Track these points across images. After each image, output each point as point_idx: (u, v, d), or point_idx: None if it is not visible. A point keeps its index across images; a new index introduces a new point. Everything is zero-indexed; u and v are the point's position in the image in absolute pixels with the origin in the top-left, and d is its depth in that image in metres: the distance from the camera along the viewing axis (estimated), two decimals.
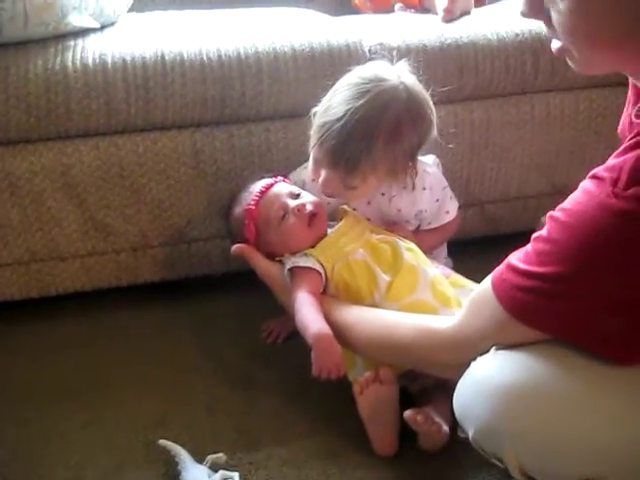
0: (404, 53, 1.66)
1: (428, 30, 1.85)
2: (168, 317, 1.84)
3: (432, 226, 1.67)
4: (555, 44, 1.03)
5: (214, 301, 1.87)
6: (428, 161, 1.64)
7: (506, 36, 1.84)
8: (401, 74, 1.51)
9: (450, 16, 1.91)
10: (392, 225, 1.61)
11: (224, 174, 1.76)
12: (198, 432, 1.48)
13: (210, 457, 1.37)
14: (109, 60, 1.64)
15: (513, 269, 1.09)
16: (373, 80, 1.48)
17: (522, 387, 1.08)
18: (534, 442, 1.06)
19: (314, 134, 1.51)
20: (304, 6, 2.07)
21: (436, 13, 1.96)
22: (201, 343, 1.74)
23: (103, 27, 1.77)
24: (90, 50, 1.66)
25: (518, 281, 1.08)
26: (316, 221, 1.52)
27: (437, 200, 1.65)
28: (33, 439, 1.48)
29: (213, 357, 1.70)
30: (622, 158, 1.00)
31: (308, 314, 1.40)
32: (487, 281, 1.14)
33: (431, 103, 1.52)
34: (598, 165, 1.05)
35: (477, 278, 1.46)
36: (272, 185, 1.57)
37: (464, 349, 1.18)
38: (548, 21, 1.01)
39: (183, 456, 1.37)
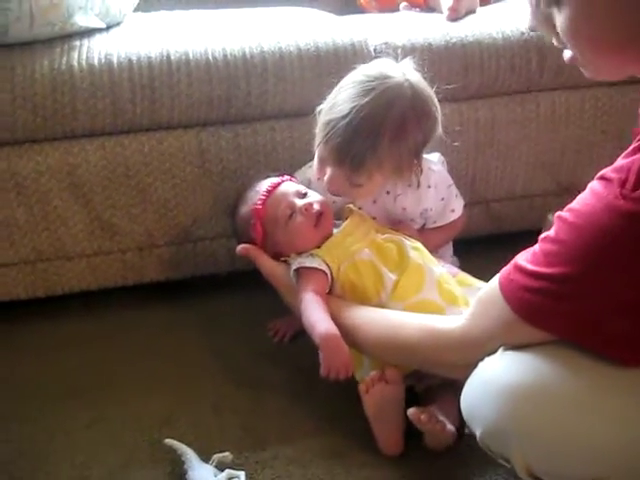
0: (409, 52, 1.66)
1: (433, 29, 1.85)
2: (174, 316, 1.84)
3: (437, 224, 1.67)
4: (567, 53, 1.04)
5: (220, 300, 1.88)
6: (433, 159, 1.64)
7: (511, 35, 1.84)
8: (406, 71, 1.51)
9: (455, 15, 1.91)
10: (397, 224, 1.61)
11: (230, 173, 1.76)
12: (204, 431, 1.48)
13: (216, 456, 1.37)
14: (115, 60, 1.64)
15: (520, 270, 1.09)
16: (378, 78, 1.48)
17: (529, 388, 1.07)
18: (541, 443, 1.06)
19: (319, 132, 1.51)
20: (309, 5, 2.07)
21: (441, 12, 1.96)
22: (207, 342, 1.75)
23: (109, 27, 1.77)
24: (96, 50, 1.66)
25: (525, 282, 1.08)
26: (323, 220, 1.52)
27: (442, 199, 1.64)
28: (39, 437, 1.48)
29: (219, 356, 1.70)
30: (630, 159, 1.00)
31: (315, 314, 1.40)
32: (494, 281, 1.14)
33: (436, 100, 1.52)
34: (604, 163, 1.05)
35: (483, 277, 1.47)
36: (279, 184, 1.57)
37: (471, 349, 1.18)
38: (556, 32, 1.01)
39: (189, 455, 1.37)
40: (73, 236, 1.74)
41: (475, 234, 1.94)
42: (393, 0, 2.15)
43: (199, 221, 1.79)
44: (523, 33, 1.85)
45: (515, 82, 1.87)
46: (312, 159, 1.67)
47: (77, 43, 1.67)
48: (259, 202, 1.55)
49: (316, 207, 1.51)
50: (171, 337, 1.77)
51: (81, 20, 1.67)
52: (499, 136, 1.91)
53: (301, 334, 1.66)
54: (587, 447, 1.03)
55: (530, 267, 1.07)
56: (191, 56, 1.68)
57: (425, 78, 1.53)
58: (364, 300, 1.45)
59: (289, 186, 1.57)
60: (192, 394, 1.59)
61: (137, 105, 1.65)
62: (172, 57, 1.67)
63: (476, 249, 1.82)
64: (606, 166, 1.05)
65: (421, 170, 1.56)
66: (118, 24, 1.82)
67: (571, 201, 1.07)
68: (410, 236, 1.55)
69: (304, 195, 1.55)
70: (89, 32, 1.71)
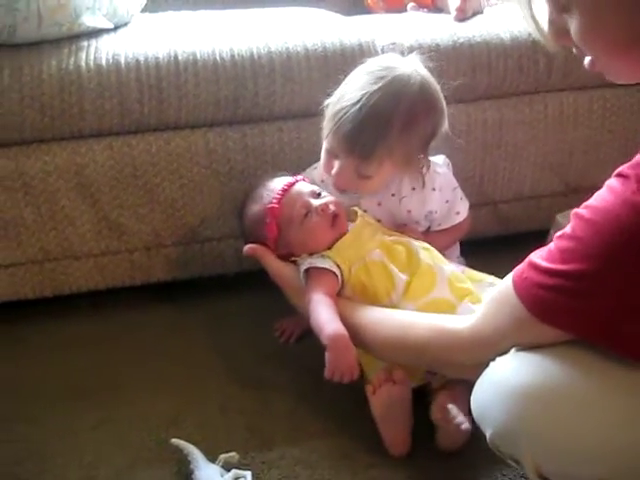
0: (417, 52, 1.65)
1: (441, 29, 1.85)
2: (181, 316, 1.84)
3: (442, 227, 1.66)
4: (586, 60, 1.04)
5: (227, 301, 1.88)
6: (438, 161, 1.64)
7: (519, 35, 1.84)
8: (414, 64, 1.52)
9: (463, 15, 1.91)
10: (402, 227, 1.60)
11: (237, 173, 1.76)
12: (211, 431, 1.48)
13: (223, 456, 1.37)
14: (122, 60, 1.65)
15: (535, 267, 1.08)
16: (387, 68, 1.49)
17: (540, 389, 1.07)
18: (551, 443, 1.05)
19: (328, 123, 1.51)
20: (316, 6, 2.07)
21: (449, 12, 1.96)
22: (214, 342, 1.75)
23: (116, 27, 1.77)
24: (104, 50, 1.66)
25: (540, 279, 1.06)
26: (338, 221, 1.51)
27: (447, 201, 1.64)
28: (46, 438, 1.48)
29: (226, 357, 1.70)
30: None
31: (323, 315, 1.40)
32: (507, 280, 1.13)
33: (442, 96, 1.52)
34: (612, 164, 1.04)
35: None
36: (293, 184, 1.56)
37: (482, 349, 1.17)
38: (573, 41, 1.01)
39: (196, 455, 1.37)
40: (80, 236, 1.74)
41: (482, 235, 1.93)
42: (400, 0, 2.15)
43: (206, 221, 1.79)
44: (531, 34, 1.84)
45: (523, 83, 1.87)
46: (318, 160, 1.67)
47: (85, 43, 1.68)
48: (275, 201, 1.54)
49: (332, 208, 1.51)
50: (178, 337, 1.77)
51: (89, 20, 1.68)
52: (507, 137, 1.90)
53: (308, 334, 1.67)
54: (597, 448, 1.03)
55: (545, 264, 1.06)
56: (198, 56, 1.68)
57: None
58: (374, 301, 1.44)
59: (304, 186, 1.57)
60: (199, 394, 1.59)
61: (144, 105, 1.66)
62: (179, 57, 1.67)
63: (483, 250, 1.82)
64: (614, 167, 1.04)
65: (428, 166, 1.56)
66: (126, 24, 1.82)
67: (579, 201, 1.07)
68: (416, 239, 1.55)
69: (318, 195, 1.54)
70: (97, 32, 1.72)
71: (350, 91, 1.48)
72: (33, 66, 1.61)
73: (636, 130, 1.96)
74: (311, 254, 1.50)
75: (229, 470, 1.34)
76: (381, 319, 1.38)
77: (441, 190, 1.62)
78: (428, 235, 1.63)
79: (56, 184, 1.68)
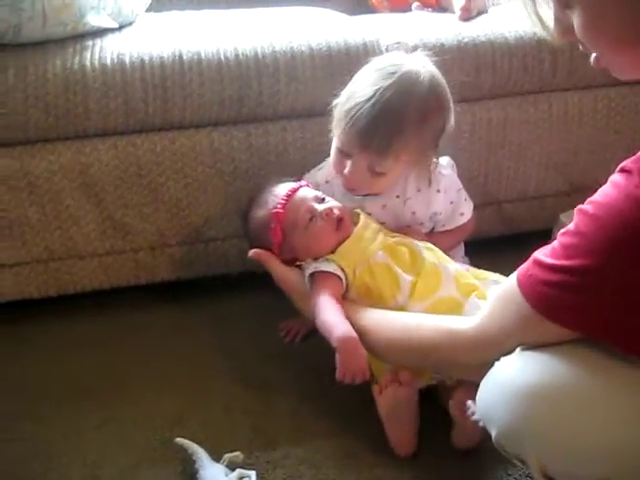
0: (420, 52, 1.65)
1: (445, 29, 1.85)
2: (185, 316, 1.85)
3: (446, 228, 1.66)
4: (592, 57, 1.04)
5: (231, 300, 1.88)
6: (442, 163, 1.64)
7: (524, 34, 1.84)
8: (421, 60, 1.53)
9: (467, 15, 1.91)
10: (405, 228, 1.60)
11: (241, 173, 1.76)
12: (215, 431, 1.48)
13: (227, 456, 1.37)
14: (127, 60, 1.65)
15: (539, 264, 1.07)
16: (396, 64, 1.50)
17: (545, 388, 1.06)
18: (557, 443, 1.05)
19: (339, 122, 1.51)
20: (321, 5, 2.07)
21: (453, 12, 1.96)
22: (218, 342, 1.75)
23: (121, 27, 1.78)
24: (108, 50, 1.66)
25: (544, 276, 1.06)
26: (343, 225, 1.51)
27: (451, 202, 1.64)
28: (50, 437, 1.49)
29: (230, 356, 1.70)
30: None
31: (332, 317, 1.39)
32: (512, 278, 1.13)
33: (449, 91, 1.53)
34: (617, 164, 1.04)
35: None
36: (297, 189, 1.56)
37: (487, 348, 1.17)
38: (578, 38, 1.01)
39: (200, 454, 1.37)
40: (85, 235, 1.74)
41: (486, 235, 1.93)
42: (405, 0, 2.14)
43: (211, 221, 1.79)
44: (536, 33, 1.84)
45: (528, 82, 1.86)
46: (323, 160, 1.67)
47: (89, 43, 1.68)
48: (279, 206, 1.54)
49: (336, 212, 1.51)
50: (182, 337, 1.77)
51: (93, 20, 1.68)
52: (511, 136, 1.90)
53: (312, 334, 1.67)
54: (603, 447, 1.02)
55: (549, 261, 1.06)
56: (203, 56, 1.68)
57: None
58: (379, 303, 1.44)
59: (308, 191, 1.57)
60: (203, 394, 1.59)
61: (149, 105, 1.66)
62: (184, 57, 1.67)
63: (487, 250, 1.81)
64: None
65: (437, 162, 1.56)
66: (130, 24, 1.82)
67: (583, 201, 1.07)
68: (419, 239, 1.55)
69: (322, 200, 1.54)
70: (101, 32, 1.72)
71: (361, 89, 1.48)
72: (38, 65, 1.61)
73: None
74: (315, 258, 1.50)
75: (233, 470, 1.34)
76: (385, 321, 1.38)
77: (446, 191, 1.61)
78: (432, 236, 1.62)
79: (61, 183, 1.68)
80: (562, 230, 1.07)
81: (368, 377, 1.37)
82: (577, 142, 1.95)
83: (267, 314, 1.80)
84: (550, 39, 1.10)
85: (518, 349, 1.12)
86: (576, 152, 1.96)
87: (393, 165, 1.51)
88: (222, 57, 1.69)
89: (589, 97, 1.92)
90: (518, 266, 1.13)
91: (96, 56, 1.64)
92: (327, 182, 1.63)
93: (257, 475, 1.34)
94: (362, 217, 1.55)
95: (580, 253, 1.02)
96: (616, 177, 1.03)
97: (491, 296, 1.21)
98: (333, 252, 1.49)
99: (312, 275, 1.48)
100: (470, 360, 1.21)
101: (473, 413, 1.33)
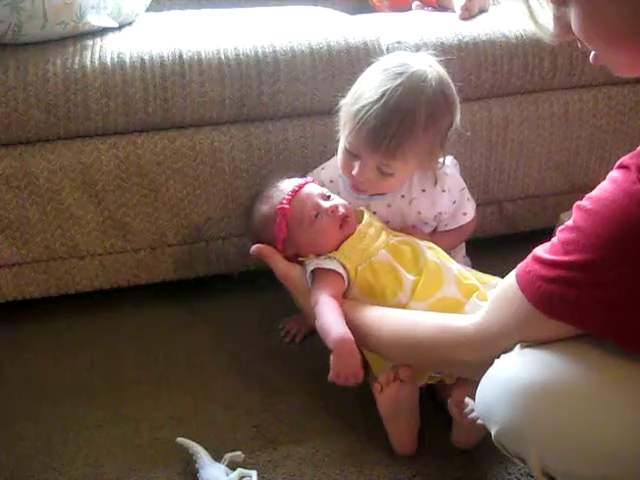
0: (422, 51, 1.65)
1: (446, 28, 1.85)
2: (186, 316, 1.85)
3: (449, 228, 1.66)
4: (592, 54, 1.04)
5: (232, 300, 1.88)
6: (447, 162, 1.64)
7: (524, 34, 1.83)
8: (426, 59, 1.52)
9: (468, 14, 1.91)
10: (410, 229, 1.60)
11: (242, 172, 1.76)
12: (216, 430, 1.48)
13: (228, 455, 1.38)
14: (127, 59, 1.65)
15: (538, 260, 1.07)
16: (403, 64, 1.49)
17: (546, 386, 1.06)
18: (558, 441, 1.05)
19: (347, 123, 1.50)
20: (321, 5, 2.07)
21: (454, 11, 1.96)
22: (219, 342, 1.75)
23: (121, 26, 1.78)
24: (108, 49, 1.66)
25: (543, 272, 1.06)
26: (347, 223, 1.51)
27: (454, 202, 1.64)
28: (52, 436, 1.49)
29: (231, 356, 1.70)
30: None
31: (329, 318, 1.39)
32: (511, 275, 1.13)
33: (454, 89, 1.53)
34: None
35: (495, 275, 1.46)
36: (303, 185, 1.56)
37: (488, 346, 1.16)
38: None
39: (201, 454, 1.37)
40: (86, 235, 1.74)
41: (488, 234, 1.93)
42: None
43: (211, 220, 1.79)
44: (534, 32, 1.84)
45: (528, 81, 1.86)
46: (324, 160, 1.67)
47: (90, 42, 1.68)
48: (285, 201, 1.53)
49: (342, 210, 1.51)
50: (183, 337, 1.77)
51: (93, 19, 1.68)
52: (512, 136, 1.90)
53: (312, 334, 1.67)
54: (605, 448, 1.02)
55: (548, 257, 1.06)
56: (203, 55, 1.68)
57: None
58: (381, 301, 1.44)
59: (313, 188, 1.56)
60: (204, 394, 1.59)
61: (149, 104, 1.66)
62: (184, 56, 1.67)
63: (488, 249, 1.82)
64: None
65: (444, 160, 1.56)
66: (130, 23, 1.82)
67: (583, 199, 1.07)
68: (421, 239, 1.55)
69: (328, 197, 1.54)
70: (101, 31, 1.72)
71: (368, 89, 1.48)
72: (38, 65, 1.61)
73: None
74: (318, 255, 1.50)
75: (234, 469, 1.34)
76: (386, 319, 1.38)
77: (450, 191, 1.61)
78: (434, 235, 1.62)
79: (61, 183, 1.68)
80: (561, 227, 1.07)
81: (361, 380, 1.37)
82: (578, 141, 1.95)
83: (268, 313, 1.80)
84: (546, 39, 1.10)
85: (518, 346, 1.12)
86: (577, 151, 1.96)
87: (402, 166, 1.51)
88: (222, 57, 1.69)
89: (589, 96, 1.92)
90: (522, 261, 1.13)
91: (96, 56, 1.65)
92: (331, 181, 1.62)
93: (258, 474, 1.34)
94: (366, 216, 1.55)
95: (579, 248, 1.02)
96: (614, 173, 1.03)
97: (492, 294, 1.21)
98: (336, 249, 1.49)
99: (313, 272, 1.47)
100: (470, 357, 1.21)
101: (471, 411, 1.34)
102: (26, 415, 1.54)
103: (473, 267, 1.63)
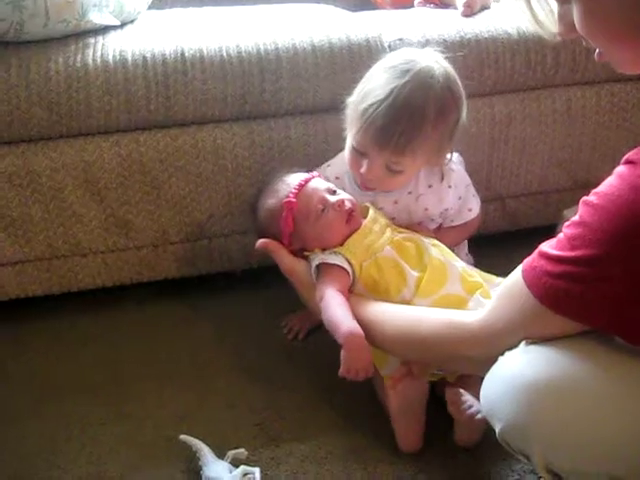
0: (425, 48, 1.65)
1: (448, 25, 1.85)
2: (189, 313, 1.85)
3: (454, 224, 1.66)
4: (596, 52, 1.04)
5: (235, 297, 1.88)
6: (453, 158, 1.63)
7: (527, 30, 1.83)
8: (432, 56, 1.52)
9: (470, 11, 1.90)
10: (416, 226, 1.59)
11: (244, 170, 1.76)
12: (219, 428, 1.48)
13: (231, 452, 1.38)
14: (129, 57, 1.65)
15: (544, 256, 1.07)
16: (409, 61, 1.49)
17: (551, 383, 1.06)
18: (562, 439, 1.05)
19: (355, 121, 1.50)
20: (323, 2, 2.07)
21: (456, 8, 1.96)
22: (222, 339, 1.75)
23: (123, 24, 1.78)
24: (110, 47, 1.66)
25: (549, 267, 1.06)
26: (353, 218, 1.51)
27: (460, 198, 1.63)
28: (55, 434, 1.49)
29: (234, 353, 1.70)
30: None
31: (338, 312, 1.39)
32: (517, 271, 1.13)
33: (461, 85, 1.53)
34: (620, 159, 1.04)
35: (498, 274, 1.46)
36: (310, 179, 1.56)
37: (493, 342, 1.16)
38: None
39: (204, 451, 1.37)
40: (88, 233, 1.74)
41: (490, 231, 1.93)
42: None
43: (214, 218, 1.79)
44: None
45: (531, 78, 1.86)
46: (326, 157, 1.67)
47: (92, 40, 1.68)
48: (292, 195, 1.53)
49: (348, 204, 1.51)
50: (186, 334, 1.77)
51: (95, 17, 1.68)
52: (515, 132, 1.90)
53: (315, 330, 1.67)
54: (609, 442, 1.02)
55: (554, 252, 1.06)
56: (205, 53, 1.68)
57: None
58: (385, 298, 1.44)
59: (320, 182, 1.56)
60: (207, 391, 1.59)
61: (151, 102, 1.66)
62: (186, 54, 1.67)
63: (491, 246, 1.82)
64: None
65: (451, 156, 1.57)
66: (132, 21, 1.82)
67: (584, 195, 1.07)
68: (426, 235, 1.55)
69: (334, 192, 1.54)
70: (103, 29, 1.72)
71: (376, 87, 1.47)
72: (40, 63, 1.61)
73: None
74: (323, 249, 1.50)
75: (237, 466, 1.34)
76: (391, 314, 1.38)
77: (456, 187, 1.61)
78: (439, 231, 1.62)
79: (64, 181, 1.68)
80: (567, 223, 1.07)
81: (371, 374, 1.37)
82: (580, 138, 1.95)
83: (271, 311, 1.80)
84: (547, 37, 1.10)
85: (523, 343, 1.12)
86: (579, 148, 1.96)
87: (411, 163, 1.51)
88: (224, 54, 1.69)
89: (592, 93, 1.92)
90: (521, 262, 1.12)
91: (98, 54, 1.65)
92: (337, 178, 1.62)
93: (261, 472, 1.34)
94: (371, 211, 1.55)
95: (585, 243, 1.02)
96: (621, 168, 1.03)
97: (497, 290, 1.21)
98: (341, 244, 1.49)
99: (318, 267, 1.47)
100: (475, 353, 1.21)
101: (469, 407, 1.34)
102: (29, 413, 1.54)
103: (476, 264, 1.63)
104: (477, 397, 1.26)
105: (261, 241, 1.54)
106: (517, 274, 1.12)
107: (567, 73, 1.88)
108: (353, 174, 1.58)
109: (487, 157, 1.90)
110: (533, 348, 1.10)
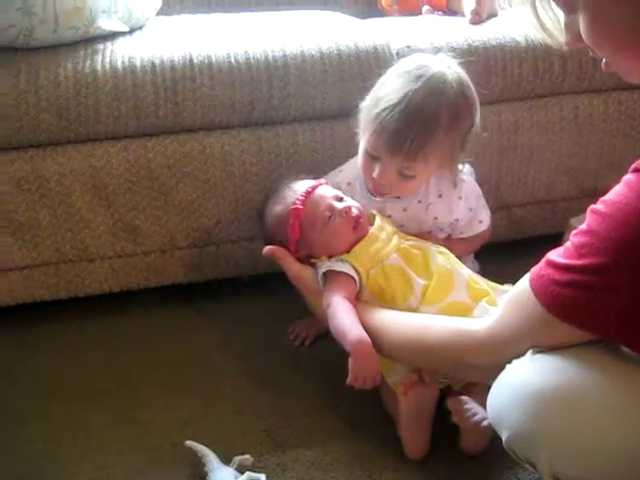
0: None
1: (456, 32, 1.85)
2: (195, 318, 1.85)
3: (464, 235, 1.65)
4: (603, 61, 1.04)
5: (241, 303, 1.88)
6: (464, 169, 1.63)
7: (534, 38, 1.83)
8: (445, 61, 1.53)
9: (478, 18, 1.91)
10: (424, 234, 1.59)
11: (252, 176, 1.76)
12: (225, 433, 1.48)
13: (237, 458, 1.38)
14: (138, 63, 1.65)
15: (552, 264, 1.07)
16: (422, 66, 1.49)
17: (558, 392, 1.06)
18: (569, 448, 1.05)
19: (367, 126, 1.50)
20: (331, 9, 2.07)
21: (463, 15, 1.96)
22: (229, 345, 1.75)
23: (132, 31, 1.78)
24: (119, 53, 1.67)
25: (556, 276, 1.06)
26: (360, 225, 1.51)
27: (471, 209, 1.63)
28: (61, 438, 1.49)
29: (241, 359, 1.70)
30: None
31: (346, 320, 1.39)
32: (524, 279, 1.13)
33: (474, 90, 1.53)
34: (627, 168, 1.04)
35: (504, 282, 1.46)
36: (317, 186, 1.56)
37: (500, 350, 1.16)
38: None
39: (210, 457, 1.37)
40: (96, 238, 1.75)
41: (497, 239, 1.92)
42: (415, 3, 2.15)
43: (221, 224, 1.80)
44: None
45: (538, 86, 1.86)
46: (334, 163, 1.68)
47: (100, 47, 1.69)
48: (299, 202, 1.53)
49: (355, 211, 1.51)
50: (192, 340, 1.77)
51: (104, 24, 1.68)
52: (522, 140, 1.90)
53: (321, 337, 1.67)
54: (617, 455, 1.02)
55: (562, 260, 1.05)
56: (214, 59, 1.68)
57: None
58: (392, 305, 1.43)
59: (327, 189, 1.56)
60: (213, 396, 1.59)
61: (160, 108, 1.66)
62: (195, 60, 1.67)
63: (497, 254, 1.81)
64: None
65: (464, 164, 1.56)
66: (141, 28, 1.83)
67: (594, 204, 1.07)
68: (434, 242, 1.54)
69: (341, 199, 1.54)
70: (112, 36, 1.73)
71: (389, 92, 1.48)
72: (49, 69, 1.62)
73: None
74: (330, 256, 1.50)
75: (243, 472, 1.34)
76: (398, 322, 1.38)
77: (466, 198, 1.61)
78: (448, 242, 1.62)
79: (72, 186, 1.69)
80: (574, 231, 1.07)
81: (379, 382, 1.37)
82: (587, 146, 1.95)
83: (278, 317, 1.80)
84: (554, 46, 1.10)
85: (530, 352, 1.12)
86: (587, 156, 1.96)
87: (424, 168, 1.51)
88: (233, 61, 1.69)
89: (599, 101, 1.92)
90: (528, 271, 1.12)
91: (107, 60, 1.65)
92: (349, 184, 1.62)
93: (267, 478, 1.34)
94: (377, 219, 1.55)
95: (593, 252, 1.02)
96: (629, 177, 1.03)
97: (504, 298, 1.21)
98: (348, 252, 1.49)
99: (325, 274, 1.47)
100: (482, 362, 1.20)
101: (473, 415, 1.33)
102: (35, 416, 1.55)
103: (482, 272, 1.63)
104: (484, 405, 1.26)
105: (268, 248, 1.54)
106: (524, 282, 1.12)
107: (574, 81, 1.88)
108: (365, 179, 1.58)
109: (494, 165, 1.90)
110: (540, 357, 1.10)
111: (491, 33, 1.85)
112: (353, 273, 1.45)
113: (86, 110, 1.63)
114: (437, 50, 1.74)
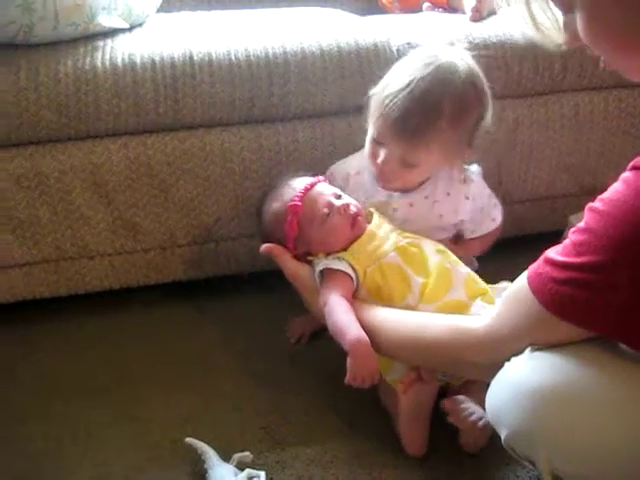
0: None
1: (456, 30, 1.85)
2: (195, 316, 1.85)
3: (476, 234, 1.65)
4: (602, 59, 1.04)
5: (242, 300, 1.88)
6: (472, 169, 1.63)
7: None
8: (459, 52, 1.52)
9: (478, 16, 1.90)
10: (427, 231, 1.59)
11: (252, 173, 1.76)
12: (225, 431, 1.49)
13: (236, 456, 1.38)
14: (138, 60, 1.65)
15: (550, 262, 1.07)
16: (434, 55, 1.49)
17: (557, 389, 1.06)
18: (568, 445, 1.05)
19: (375, 110, 1.51)
20: (331, 6, 2.07)
21: (464, 13, 1.96)
22: (229, 342, 1.75)
23: (132, 27, 1.78)
24: (119, 50, 1.67)
25: (555, 274, 1.06)
26: (358, 222, 1.51)
27: (482, 208, 1.63)
28: (62, 436, 1.49)
29: (241, 356, 1.70)
30: None
31: (344, 319, 1.39)
32: (522, 277, 1.13)
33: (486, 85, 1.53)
34: (627, 165, 1.04)
35: (503, 279, 1.46)
36: (315, 183, 1.56)
37: (498, 348, 1.16)
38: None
39: (210, 454, 1.37)
40: (96, 235, 1.75)
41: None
42: (416, 1, 2.14)
43: (221, 221, 1.80)
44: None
45: (539, 83, 1.86)
46: (334, 160, 1.68)
47: (100, 43, 1.68)
48: (297, 199, 1.53)
49: (353, 209, 1.51)
50: (192, 336, 1.78)
51: (104, 20, 1.68)
52: (522, 137, 1.90)
53: (320, 335, 1.67)
54: (616, 453, 1.02)
55: (560, 258, 1.06)
56: (214, 56, 1.68)
57: None
58: (389, 303, 1.43)
59: (325, 187, 1.57)
60: (213, 394, 1.59)
61: (160, 105, 1.66)
62: (195, 57, 1.67)
63: (496, 251, 1.81)
64: None
65: (471, 160, 1.57)
66: (141, 24, 1.83)
67: (594, 201, 1.07)
68: (435, 242, 1.54)
69: (339, 197, 1.54)
70: (112, 32, 1.72)
71: (397, 78, 1.48)
72: (49, 66, 1.62)
73: None
74: (328, 254, 1.50)
75: (243, 469, 1.34)
76: (396, 320, 1.38)
77: (474, 199, 1.61)
78: (462, 243, 1.62)
79: (72, 183, 1.69)
80: (573, 229, 1.07)
81: (377, 381, 1.37)
82: (588, 143, 1.95)
83: (278, 314, 1.80)
84: (549, 46, 1.10)
85: (528, 350, 1.12)
86: (587, 153, 1.96)
87: (425, 157, 1.51)
88: (233, 58, 1.69)
89: (600, 98, 1.92)
90: (526, 268, 1.12)
91: (107, 56, 1.65)
92: (357, 173, 1.62)
93: (266, 475, 1.35)
94: (375, 217, 1.55)
95: (591, 250, 1.02)
96: (627, 174, 1.03)
97: (502, 296, 1.21)
98: (345, 249, 1.49)
99: (322, 272, 1.47)
100: (480, 359, 1.21)
101: (470, 414, 1.33)
102: (36, 413, 1.55)
103: (481, 269, 1.62)
104: (482, 404, 1.27)
105: (265, 246, 1.55)
106: (522, 280, 1.12)
107: (575, 78, 1.88)
108: (371, 166, 1.58)
109: (495, 163, 1.90)
110: (538, 354, 1.10)
111: (492, 30, 1.85)
112: (350, 271, 1.45)
113: (86, 107, 1.63)
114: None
